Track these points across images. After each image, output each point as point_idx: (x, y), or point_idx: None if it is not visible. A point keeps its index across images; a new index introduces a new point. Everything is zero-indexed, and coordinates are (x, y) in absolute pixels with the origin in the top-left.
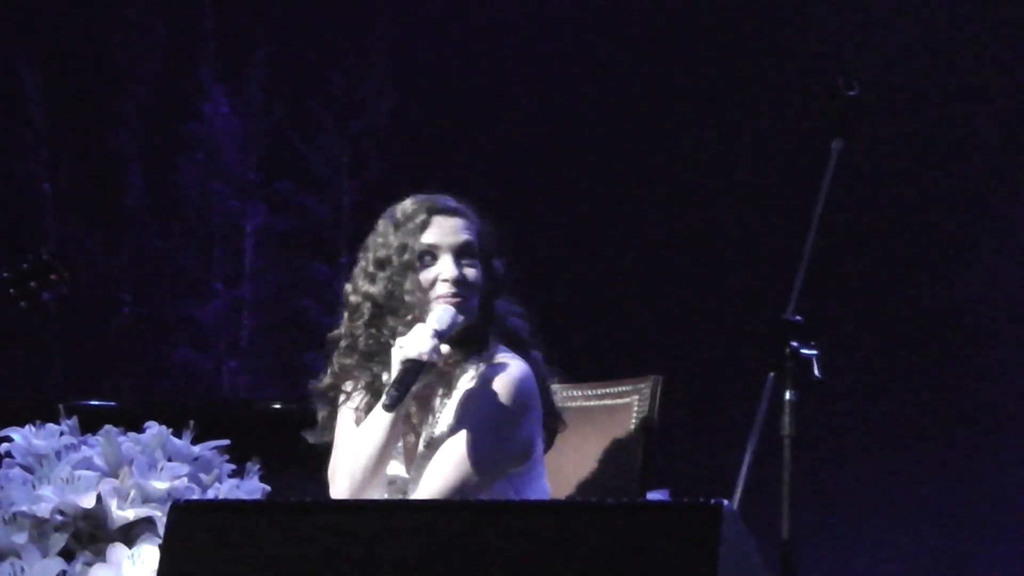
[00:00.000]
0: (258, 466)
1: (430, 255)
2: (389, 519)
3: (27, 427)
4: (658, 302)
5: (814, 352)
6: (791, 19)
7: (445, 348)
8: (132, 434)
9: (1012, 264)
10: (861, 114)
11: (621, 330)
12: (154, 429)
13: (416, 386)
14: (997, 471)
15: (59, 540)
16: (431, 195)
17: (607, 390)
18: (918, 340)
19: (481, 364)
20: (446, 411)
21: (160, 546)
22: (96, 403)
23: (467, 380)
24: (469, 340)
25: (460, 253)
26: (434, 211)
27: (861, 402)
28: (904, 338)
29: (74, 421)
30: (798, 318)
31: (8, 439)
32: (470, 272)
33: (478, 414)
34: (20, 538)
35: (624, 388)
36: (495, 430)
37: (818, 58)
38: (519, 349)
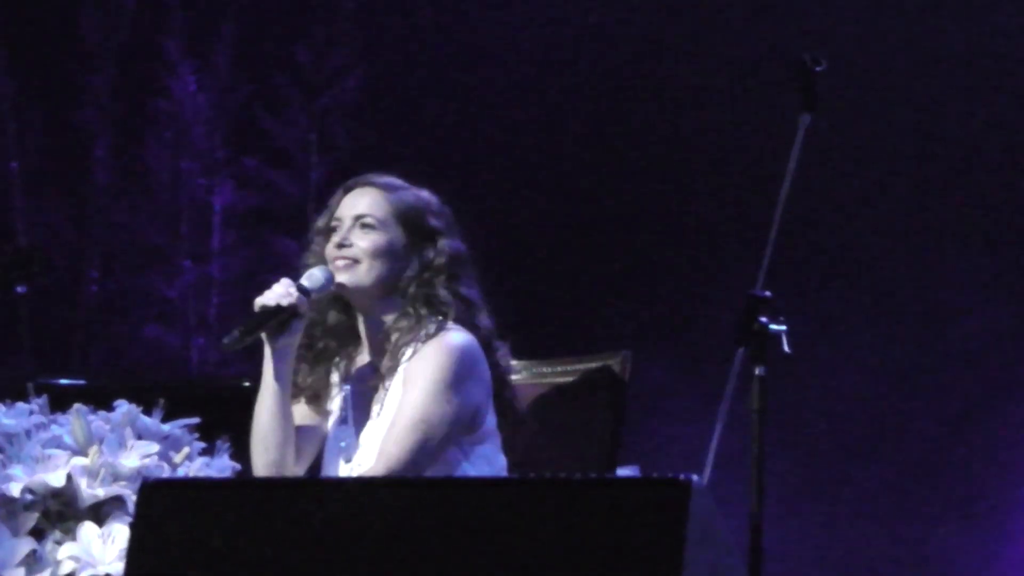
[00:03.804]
0: (228, 444)
1: (337, 226)
2: (359, 495)
3: None
4: (626, 277)
5: (783, 327)
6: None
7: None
8: (102, 412)
9: (981, 240)
10: (828, 89)
11: (590, 306)
12: (124, 407)
13: (283, 340)
14: (965, 445)
15: (29, 519)
16: (360, 174)
17: (577, 366)
18: (889, 315)
19: (423, 337)
20: (393, 387)
21: (130, 524)
22: (65, 381)
23: (411, 354)
24: (407, 315)
25: (357, 222)
26: (348, 187)
27: (830, 378)
28: (875, 313)
29: (44, 400)
30: (766, 293)
31: None
32: (363, 239)
33: (421, 380)
34: None
35: (593, 364)
36: (438, 392)
37: (786, 32)
38: (465, 324)
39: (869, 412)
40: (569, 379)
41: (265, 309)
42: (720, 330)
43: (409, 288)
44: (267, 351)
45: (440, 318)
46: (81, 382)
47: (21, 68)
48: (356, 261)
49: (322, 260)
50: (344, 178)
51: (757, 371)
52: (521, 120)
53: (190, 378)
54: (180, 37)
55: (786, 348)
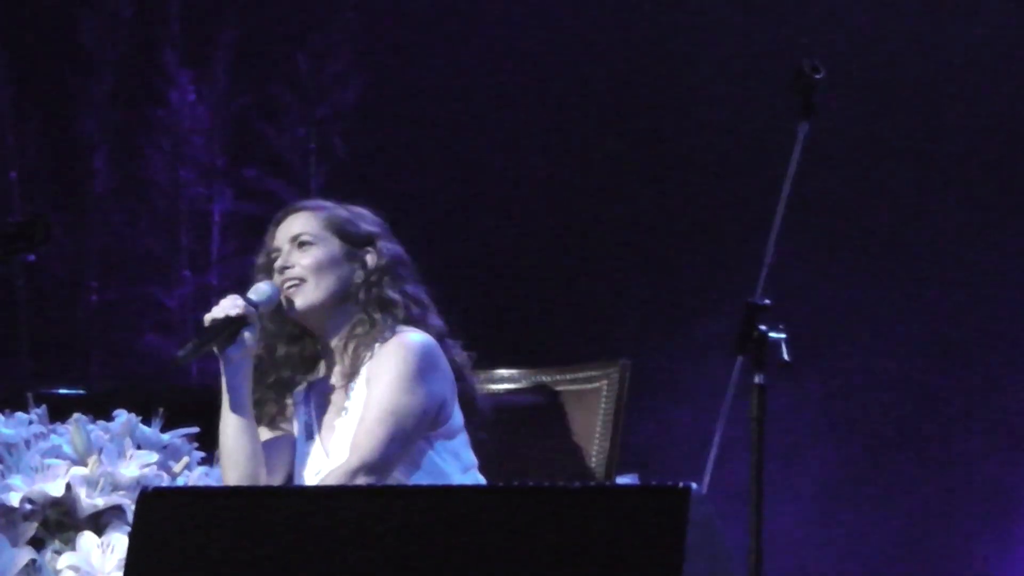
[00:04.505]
0: None
1: (276, 256)
2: (358, 503)
3: None
4: (626, 286)
5: (782, 335)
6: (756, 9)
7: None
8: (101, 422)
9: (983, 246)
10: (828, 97)
11: (589, 314)
12: (123, 417)
13: (234, 351)
14: (966, 452)
15: (28, 529)
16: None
17: (576, 375)
18: (890, 322)
19: (382, 340)
20: (356, 388)
21: (129, 534)
22: (65, 391)
23: (368, 361)
24: (362, 321)
25: (294, 243)
26: (278, 219)
27: (831, 385)
28: (875, 321)
29: (43, 409)
30: (766, 301)
31: None
32: (303, 257)
33: (386, 375)
34: None
35: (593, 372)
36: (404, 385)
37: (784, 40)
38: (417, 325)
39: (872, 418)
40: (568, 387)
41: (214, 322)
42: (719, 338)
43: (359, 294)
44: (222, 367)
45: (393, 321)
46: (80, 392)
47: (20, 76)
48: (302, 280)
49: None
50: (342, 186)
51: (756, 379)
52: (521, 127)
53: (189, 387)
54: (179, 46)
55: (785, 356)
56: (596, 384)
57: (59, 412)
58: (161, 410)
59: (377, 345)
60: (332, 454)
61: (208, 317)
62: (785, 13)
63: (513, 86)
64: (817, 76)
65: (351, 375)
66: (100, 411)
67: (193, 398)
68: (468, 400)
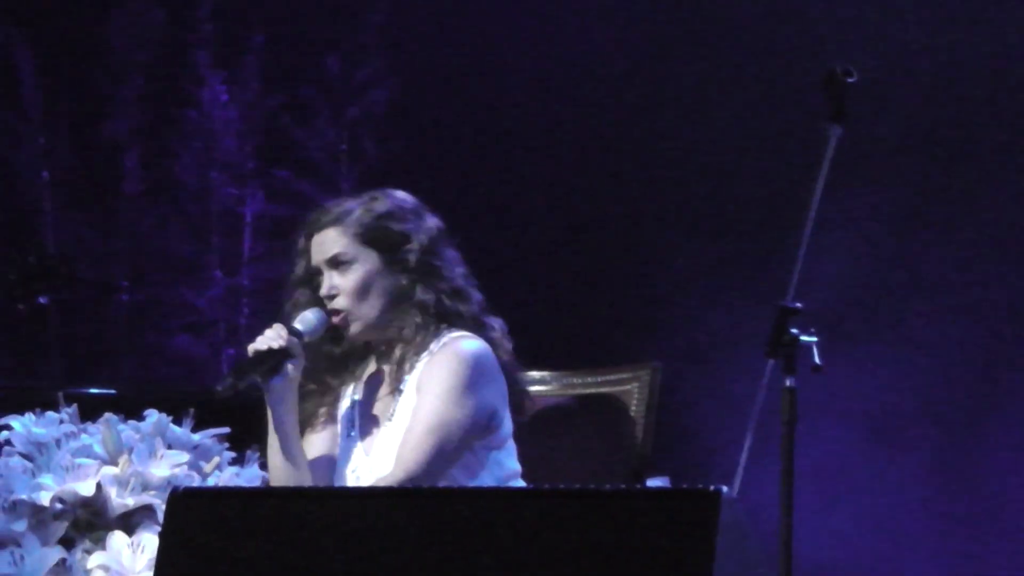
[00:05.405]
0: (257, 454)
1: (319, 274)
2: (389, 504)
3: (27, 415)
4: (657, 289)
5: (814, 339)
6: (781, 18)
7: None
8: (132, 422)
9: (1016, 250)
10: (859, 101)
11: (620, 317)
12: (154, 417)
13: (277, 381)
14: (998, 454)
15: (59, 528)
16: (314, 212)
17: (606, 377)
18: (921, 325)
19: (432, 349)
20: (406, 394)
21: (159, 534)
22: (96, 391)
23: (420, 365)
24: (405, 333)
25: (333, 266)
26: (310, 232)
27: (863, 388)
28: (907, 324)
29: (74, 409)
30: (797, 304)
31: (8, 427)
32: (344, 282)
33: (436, 386)
34: (20, 526)
35: (623, 375)
36: (453, 397)
37: (817, 44)
38: (469, 326)
39: (896, 423)
40: (599, 390)
41: (257, 353)
42: (750, 341)
43: (406, 298)
44: (266, 396)
45: (442, 320)
46: (111, 392)
47: (50, 78)
48: (350, 311)
49: (309, 307)
50: (373, 187)
51: (787, 382)
52: (549, 131)
53: None
54: (209, 48)
55: (817, 360)
56: (627, 387)
57: (90, 412)
58: (192, 410)
59: (429, 351)
60: (373, 454)
61: (252, 347)
62: (818, 16)
63: (545, 89)
64: (850, 80)
65: (399, 377)
66: (131, 411)
67: (224, 398)
68: (518, 404)
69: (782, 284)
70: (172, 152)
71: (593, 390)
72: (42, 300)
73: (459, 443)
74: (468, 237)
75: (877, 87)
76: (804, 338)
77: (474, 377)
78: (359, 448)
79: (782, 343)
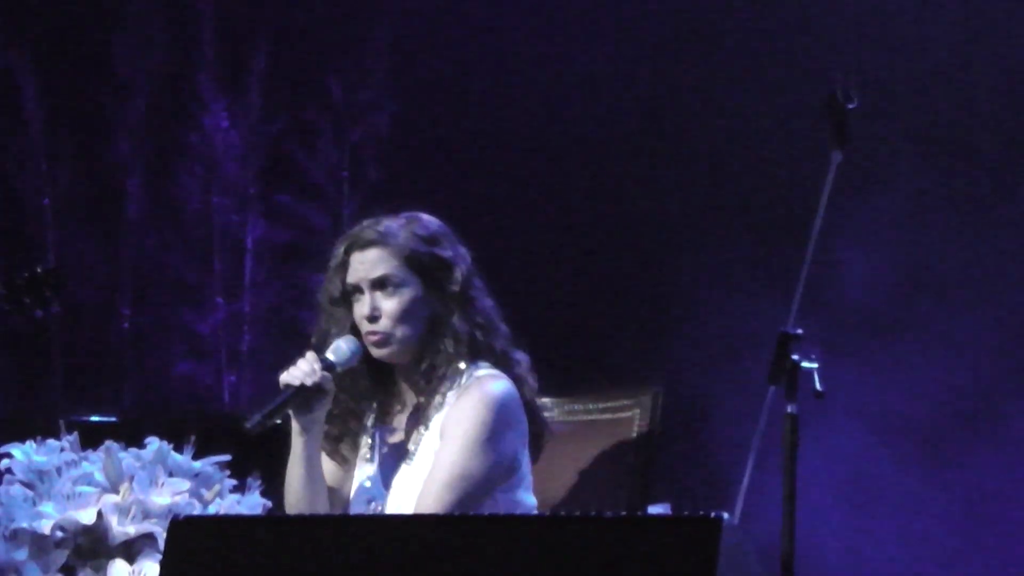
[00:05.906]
0: (259, 481)
1: (357, 292)
2: (390, 533)
3: (28, 443)
4: (658, 315)
5: (815, 365)
6: (789, 27)
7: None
8: (133, 450)
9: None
10: (859, 125)
11: (621, 343)
12: (155, 444)
13: (308, 417)
14: (1005, 481)
15: (60, 556)
16: (355, 228)
17: (608, 404)
18: (919, 349)
19: (459, 384)
20: (429, 433)
21: (160, 562)
22: (97, 418)
23: (446, 402)
24: (436, 362)
25: (377, 287)
26: (351, 248)
27: (864, 414)
28: (905, 346)
29: (75, 436)
30: (798, 330)
31: (8, 455)
32: (388, 305)
33: (460, 434)
34: (21, 554)
35: (625, 402)
36: (477, 447)
37: (816, 68)
38: (498, 361)
39: (902, 448)
40: (600, 416)
41: (287, 388)
42: (751, 367)
43: (439, 327)
44: (294, 425)
45: (471, 355)
46: (112, 419)
47: (52, 101)
48: (391, 334)
49: (343, 328)
50: (375, 211)
51: (789, 408)
52: (556, 154)
53: (222, 414)
54: (212, 70)
55: (818, 386)
56: (628, 413)
57: (91, 439)
58: (193, 437)
59: (456, 387)
60: (393, 490)
61: (284, 380)
62: (818, 40)
63: (547, 115)
64: (850, 105)
65: (425, 411)
66: (132, 438)
67: (225, 425)
68: (538, 442)
69: (784, 310)
70: (174, 176)
71: (595, 416)
72: (37, 314)
73: (480, 494)
74: (473, 259)
75: (884, 91)
76: (805, 364)
77: (498, 426)
78: (377, 478)
79: (783, 369)
